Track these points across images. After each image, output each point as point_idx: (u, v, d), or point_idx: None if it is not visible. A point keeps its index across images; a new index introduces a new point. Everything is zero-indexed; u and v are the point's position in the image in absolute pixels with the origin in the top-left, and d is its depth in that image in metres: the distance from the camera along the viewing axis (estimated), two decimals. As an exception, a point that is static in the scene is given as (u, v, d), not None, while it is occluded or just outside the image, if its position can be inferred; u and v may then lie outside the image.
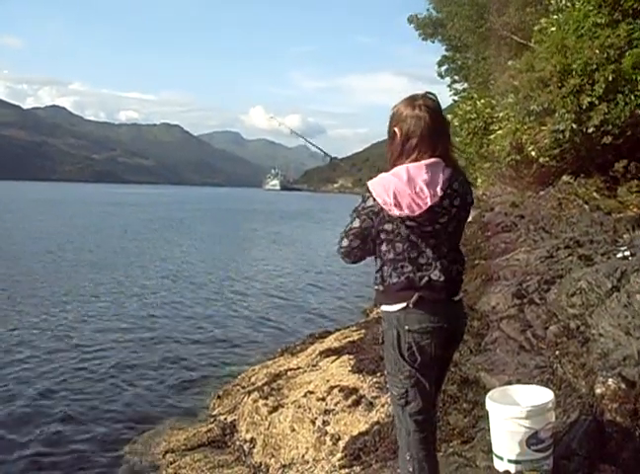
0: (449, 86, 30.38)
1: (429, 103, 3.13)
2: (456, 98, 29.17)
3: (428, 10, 27.94)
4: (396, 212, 2.98)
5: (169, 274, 21.35)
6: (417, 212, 2.97)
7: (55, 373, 9.96)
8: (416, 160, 3.06)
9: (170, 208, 75.10)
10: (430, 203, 2.98)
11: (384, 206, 3.00)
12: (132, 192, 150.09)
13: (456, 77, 30.64)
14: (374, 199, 3.04)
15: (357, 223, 3.13)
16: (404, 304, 3.08)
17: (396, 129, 3.13)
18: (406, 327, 3.08)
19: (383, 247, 3.13)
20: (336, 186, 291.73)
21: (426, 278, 3.08)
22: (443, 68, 30.15)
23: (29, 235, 32.65)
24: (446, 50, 29.58)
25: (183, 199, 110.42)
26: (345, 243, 3.18)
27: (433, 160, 3.05)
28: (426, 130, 3.07)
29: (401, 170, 3.05)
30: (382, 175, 3.11)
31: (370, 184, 3.09)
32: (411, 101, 3.14)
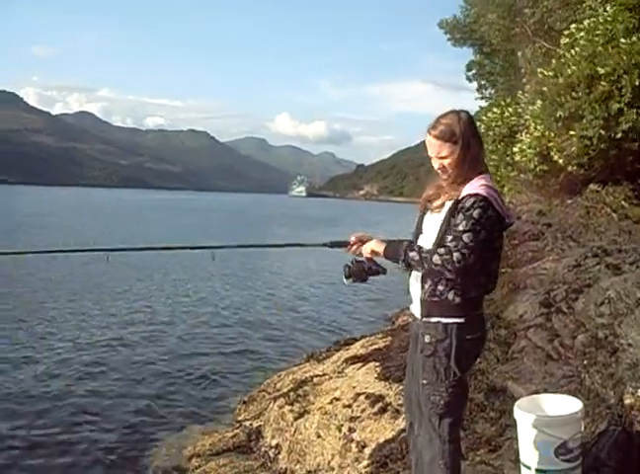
0: (478, 90, 30.24)
1: (472, 117, 3.26)
2: (483, 104, 29.04)
3: (455, 16, 27.89)
4: (507, 221, 3.09)
5: (194, 278, 21.44)
6: (512, 222, 3.10)
7: (84, 377, 10.04)
8: (482, 172, 3.16)
9: (197, 214, 75.36)
10: (513, 214, 3.13)
11: (502, 215, 3.07)
12: (162, 197, 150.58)
13: (484, 83, 30.51)
14: (494, 209, 3.04)
15: (483, 235, 3.02)
16: (467, 315, 3.14)
17: (472, 141, 3.16)
18: (468, 336, 3.15)
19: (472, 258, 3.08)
20: (362, 193, 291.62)
21: (485, 289, 3.20)
22: (472, 73, 30.03)
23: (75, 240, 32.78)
24: (474, 55, 29.48)
25: (210, 206, 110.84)
26: (471, 259, 3.01)
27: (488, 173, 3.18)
28: (480, 143, 3.22)
29: (486, 180, 3.11)
30: (483, 183, 3.10)
31: (484, 193, 3.05)
32: (463, 114, 3.20)
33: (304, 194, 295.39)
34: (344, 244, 3.50)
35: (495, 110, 19.73)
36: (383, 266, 3.41)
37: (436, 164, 3.25)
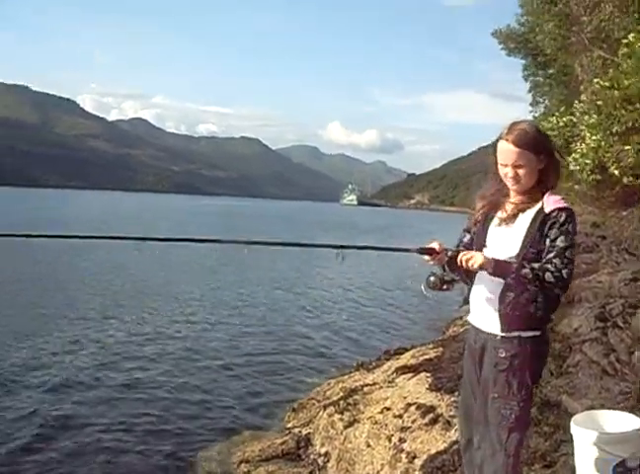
0: (532, 100, 29.96)
1: None
2: (537, 114, 28.75)
3: (509, 25, 27.70)
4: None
5: (246, 280, 21.61)
6: None
7: (137, 380, 10.17)
8: (553, 186, 3.17)
9: (251, 220, 75.97)
10: None
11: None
12: (214, 203, 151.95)
13: (538, 93, 30.22)
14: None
15: (574, 251, 3.06)
16: (544, 329, 3.18)
17: (550, 152, 3.16)
18: (542, 349, 3.20)
19: None
20: (412, 202, 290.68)
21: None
22: (528, 84, 29.80)
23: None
24: (529, 66, 29.24)
25: (263, 212, 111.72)
26: (569, 274, 3.00)
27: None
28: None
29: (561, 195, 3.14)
30: (560, 197, 3.12)
31: (570, 206, 3.10)
32: (536, 126, 3.23)
33: (355, 202, 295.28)
34: (430, 251, 3.30)
35: (550, 119, 19.53)
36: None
37: (507, 172, 3.15)
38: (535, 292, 3.04)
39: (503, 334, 3.16)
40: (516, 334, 3.13)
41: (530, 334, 3.12)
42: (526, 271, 2.99)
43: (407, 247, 3.46)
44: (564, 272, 2.95)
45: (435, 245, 3.28)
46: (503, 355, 3.16)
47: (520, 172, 3.10)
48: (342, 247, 3.56)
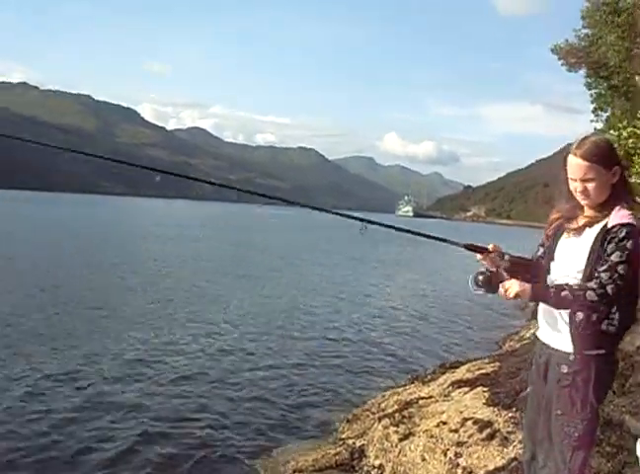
0: (594, 113, 29.44)
1: None
2: (599, 125, 28.25)
3: (567, 40, 27.31)
4: None
5: (298, 293, 21.66)
6: None
7: (191, 391, 10.22)
8: (626, 201, 3.08)
9: (311, 230, 76.56)
10: None
11: None
12: (277, 213, 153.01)
13: (600, 105, 29.72)
14: None
15: (635, 266, 2.95)
16: (613, 348, 3.10)
17: (620, 167, 3.10)
18: (606, 368, 3.11)
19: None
20: (468, 214, 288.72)
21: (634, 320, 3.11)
22: (589, 95, 29.31)
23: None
24: (590, 77, 28.77)
25: (321, 223, 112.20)
26: (624, 291, 2.96)
27: None
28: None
29: (628, 210, 3.04)
30: (628, 212, 3.03)
31: (636, 223, 2.98)
32: (608, 139, 3.21)
33: (411, 213, 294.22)
34: (482, 250, 3.32)
35: (612, 132, 19.17)
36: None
37: (577, 186, 3.11)
38: (607, 311, 2.99)
39: (569, 351, 3.12)
40: (592, 350, 3.09)
41: (595, 352, 3.06)
42: (565, 293, 2.95)
43: (455, 241, 3.52)
44: (609, 288, 2.89)
45: (491, 246, 3.30)
46: (565, 370, 3.13)
47: (590, 186, 3.06)
48: (368, 221, 3.85)
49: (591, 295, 2.90)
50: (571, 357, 3.11)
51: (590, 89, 29.19)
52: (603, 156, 3.03)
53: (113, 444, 7.77)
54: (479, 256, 3.31)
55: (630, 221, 2.94)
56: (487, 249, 3.29)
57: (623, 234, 2.92)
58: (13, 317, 14.29)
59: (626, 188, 3.11)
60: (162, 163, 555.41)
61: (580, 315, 3.05)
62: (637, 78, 22.54)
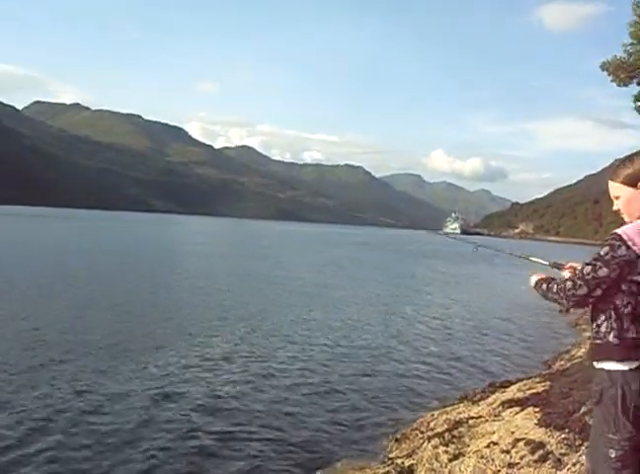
0: (645, 130, 28.96)
1: None
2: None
3: (616, 56, 26.93)
4: None
5: (348, 310, 21.63)
6: None
7: (239, 408, 10.25)
8: None
9: (359, 248, 76.67)
10: None
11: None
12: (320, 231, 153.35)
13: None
14: (629, 248, 2.96)
15: (603, 272, 3.00)
16: (636, 364, 2.99)
17: None
18: (633, 387, 2.98)
19: (619, 300, 3.03)
20: (516, 231, 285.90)
21: None
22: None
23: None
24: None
25: (372, 240, 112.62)
26: (583, 291, 3.05)
27: None
28: None
29: None
30: (631, 225, 3.05)
31: (622, 231, 3.02)
32: None
33: (458, 231, 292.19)
34: (561, 266, 3.63)
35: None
36: None
37: (614, 205, 3.24)
38: (614, 321, 3.04)
39: (593, 364, 3.17)
40: (600, 366, 3.12)
41: (615, 367, 3.04)
42: (553, 284, 3.23)
43: (542, 261, 3.97)
44: (567, 283, 3.09)
45: (568, 264, 3.56)
46: (595, 387, 3.15)
47: (619, 203, 3.19)
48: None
49: (555, 287, 3.14)
50: (597, 373, 3.15)
51: (637, 102, 28.74)
52: (625, 174, 3.13)
53: (162, 461, 7.85)
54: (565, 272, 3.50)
55: (618, 231, 3.01)
56: (564, 265, 3.58)
57: (606, 241, 3.04)
58: (73, 330, 14.59)
59: None
60: (211, 181, 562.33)
61: (594, 324, 3.15)
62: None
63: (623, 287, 2.99)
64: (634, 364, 2.98)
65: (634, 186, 3.07)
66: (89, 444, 8.13)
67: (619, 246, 2.96)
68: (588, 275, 3.02)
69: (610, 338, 3.05)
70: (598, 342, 3.12)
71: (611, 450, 3.02)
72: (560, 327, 19.96)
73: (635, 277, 2.95)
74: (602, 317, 3.09)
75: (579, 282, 3.04)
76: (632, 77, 26.87)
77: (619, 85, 27.52)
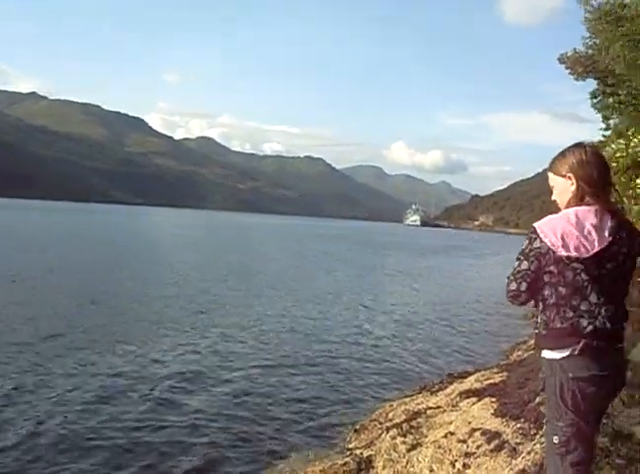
0: (603, 122, 29.37)
1: (598, 151, 3.24)
2: (607, 133, 28.18)
3: (575, 49, 27.24)
4: (563, 253, 2.99)
5: (309, 304, 21.62)
6: (584, 255, 2.98)
7: (198, 400, 10.21)
8: (587, 205, 3.09)
9: (323, 240, 76.81)
10: (598, 247, 2.99)
11: (552, 247, 3.01)
12: (281, 222, 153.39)
13: (608, 114, 29.63)
14: (541, 240, 3.04)
15: (524, 265, 3.12)
16: (569, 351, 3.04)
17: (570, 175, 3.17)
18: (570, 374, 3.04)
19: (546, 291, 3.12)
20: (477, 223, 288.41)
21: (591, 326, 3.02)
22: (596, 104, 29.24)
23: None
24: (598, 86, 28.67)
25: (330, 231, 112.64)
26: (513, 286, 3.15)
27: (601, 206, 3.08)
28: (598, 179, 3.13)
29: (570, 212, 3.09)
30: (550, 217, 3.13)
31: (537, 225, 3.11)
32: (582, 148, 3.21)
33: (418, 222, 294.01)
34: None
35: (620, 140, 19.13)
36: None
37: (552, 196, 3.35)
38: (542, 311, 3.17)
39: (537, 353, 3.27)
40: (542, 354, 3.21)
41: (552, 356, 3.11)
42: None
43: None
44: (507, 280, 3.18)
45: None
46: (540, 375, 3.28)
47: (554, 193, 3.30)
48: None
49: (506, 281, 3.19)
50: (541, 362, 3.23)
51: (595, 98, 29.15)
52: (557, 166, 3.27)
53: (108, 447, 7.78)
54: None
55: (535, 224, 3.12)
56: None
57: (527, 235, 3.16)
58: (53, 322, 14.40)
59: (579, 195, 3.15)
60: (171, 172, 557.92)
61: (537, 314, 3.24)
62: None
63: (546, 279, 3.08)
64: (566, 352, 3.04)
65: (564, 176, 3.18)
66: (43, 440, 8.06)
67: (535, 239, 3.07)
68: (514, 269, 3.14)
69: (542, 328, 3.16)
70: (536, 332, 3.22)
71: (555, 437, 3.11)
72: (519, 317, 20.18)
73: (550, 268, 3.05)
74: (538, 309, 3.19)
75: (510, 278, 3.15)
76: (589, 71, 27.22)
77: (577, 79, 27.83)
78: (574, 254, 2.97)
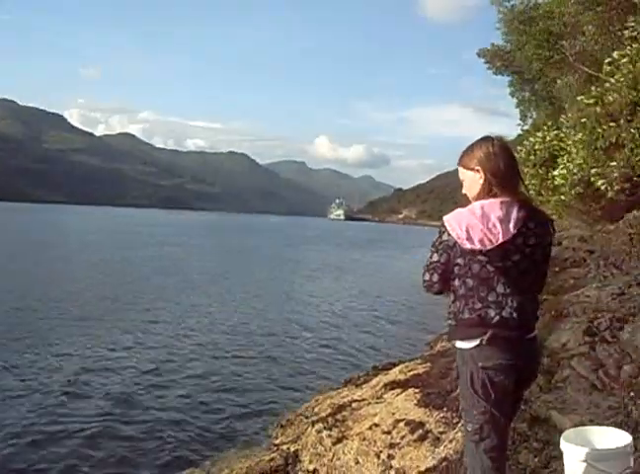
0: (520, 116, 30.06)
1: (505, 144, 3.25)
2: (526, 127, 28.86)
3: (494, 44, 27.82)
4: (467, 246, 3.03)
5: (235, 300, 21.55)
6: (488, 247, 3.01)
7: (123, 402, 10.08)
8: (494, 197, 3.12)
9: (245, 234, 76.42)
10: (501, 239, 3.02)
11: (457, 240, 3.05)
12: (204, 219, 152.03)
13: (525, 108, 30.33)
14: (449, 234, 3.10)
15: (435, 257, 3.18)
16: (477, 341, 3.09)
17: (478, 168, 3.19)
18: (480, 363, 3.09)
19: (456, 282, 3.17)
20: (400, 216, 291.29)
21: (498, 317, 3.08)
22: (515, 98, 29.91)
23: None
24: (514, 82, 29.33)
25: (255, 227, 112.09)
26: (427, 277, 3.21)
27: (508, 198, 3.11)
28: (505, 171, 3.15)
29: (476, 206, 3.12)
30: (458, 210, 3.16)
31: (445, 218, 3.16)
32: (489, 141, 3.23)
33: (342, 217, 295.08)
34: None
35: (538, 134, 19.61)
36: None
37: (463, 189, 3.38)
38: (452, 302, 3.22)
39: (450, 343, 3.33)
40: (454, 344, 3.27)
41: (463, 346, 3.16)
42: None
43: None
44: (424, 276, 3.23)
45: None
46: (455, 364, 3.40)
47: (464, 186, 3.33)
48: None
49: (422, 272, 3.24)
50: (455, 352, 3.29)
51: (514, 94, 29.81)
52: (466, 159, 3.29)
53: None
54: None
55: (444, 217, 3.19)
56: None
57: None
58: None
59: (486, 188, 3.18)
60: (92, 169, 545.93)
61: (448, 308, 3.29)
62: (558, 83, 23.10)
63: (455, 271, 3.14)
64: (475, 342, 3.09)
65: (472, 169, 3.21)
66: None
67: (444, 232, 3.14)
68: (427, 261, 3.22)
69: (452, 319, 3.22)
70: (449, 322, 3.27)
71: (470, 424, 3.18)
72: (444, 308, 20.52)
73: (457, 260, 3.12)
74: (449, 299, 3.25)
75: (423, 270, 3.22)
76: (507, 66, 27.82)
77: (495, 73, 28.44)
78: (478, 246, 3.01)
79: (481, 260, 3.06)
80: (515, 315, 3.09)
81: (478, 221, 3.03)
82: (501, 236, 3.01)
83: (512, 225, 3.04)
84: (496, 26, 25.72)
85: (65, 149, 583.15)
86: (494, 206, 3.07)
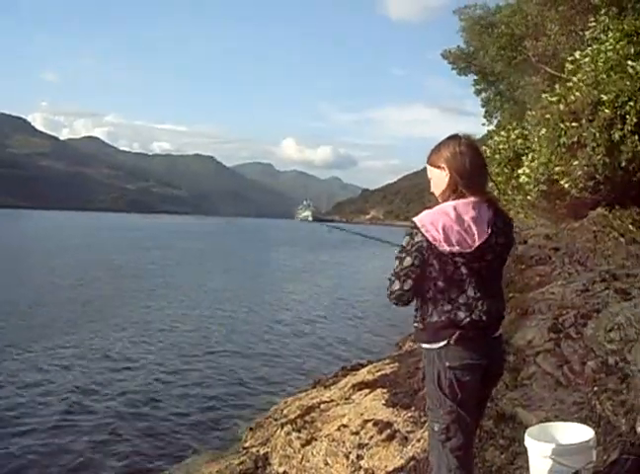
0: (485, 116, 30.30)
1: (472, 143, 3.22)
2: (491, 127, 29.08)
3: (458, 46, 28.04)
4: (446, 248, 3.00)
5: (204, 303, 21.47)
6: (467, 249, 3.01)
7: (92, 403, 10.00)
8: (462, 197, 3.10)
9: (213, 237, 76.09)
10: (478, 240, 3.02)
11: (434, 242, 3.01)
12: (171, 222, 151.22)
13: (490, 108, 30.57)
14: (423, 235, 3.03)
15: (408, 261, 3.06)
16: (445, 342, 3.08)
17: (445, 167, 3.17)
18: (447, 363, 3.09)
19: (424, 285, 3.12)
20: (368, 217, 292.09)
21: (468, 319, 3.07)
22: (480, 98, 30.15)
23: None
24: (479, 82, 29.56)
25: (222, 229, 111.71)
26: (396, 286, 3.09)
27: (478, 198, 3.10)
28: (472, 169, 3.13)
29: (448, 207, 3.09)
30: (427, 211, 3.12)
31: (417, 219, 3.10)
32: (456, 140, 3.21)
33: (310, 218, 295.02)
34: None
35: (502, 133, 19.77)
36: None
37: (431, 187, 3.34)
38: (417, 306, 3.20)
39: (416, 345, 3.32)
40: (420, 345, 3.26)
41: (429, 346, 3.16)
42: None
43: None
44: (388, 283, 3.12)
45: None
46: (421, 365, 3.40)
47: (431, 185, 3.30)
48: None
49: (388, 283, 3.12)
50: (422, 353, 3.28)
51: (479, 94, 30.06)
52: (433, 157, 3.26)
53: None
54: None
55: (414, 218, 3.12)
56: None
57: (407, 230, 3.14)
58: None
59: (454, 187, 3.15)
60: (57, 173, 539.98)
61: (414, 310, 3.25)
62: (522, 83, 23.36)
63: (427, 273, 3.07)
64: (443, 342, 3.09)
65: (439, 167, 3.18)
66: None
67: (416, 233, 3.05)
68: (396, 268, 3.08)
69: (419, 322, 3.19)
70: (415, 325, 3.24)
71: (436, 424, 3.18)
72: (413, 308, 20.58)
73: (431, 262, 3.04)
74: (417, 303, 3.20)
75: (392, 278, 3.08)
76: (470, 67, 28.06)
77: (459, 74, 28.67)
78: (456, 248, 2.99)
79: (456, 261, 3.04)
80: (484, 318, 3.10)
81: (454, 223, 3.02)
82: (477, 237, 3.03)
83: (485, 225, 3.06)
84: (459, 33, 26.02)
85: (30, 153, 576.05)
86: (467, 207, 3.06)
